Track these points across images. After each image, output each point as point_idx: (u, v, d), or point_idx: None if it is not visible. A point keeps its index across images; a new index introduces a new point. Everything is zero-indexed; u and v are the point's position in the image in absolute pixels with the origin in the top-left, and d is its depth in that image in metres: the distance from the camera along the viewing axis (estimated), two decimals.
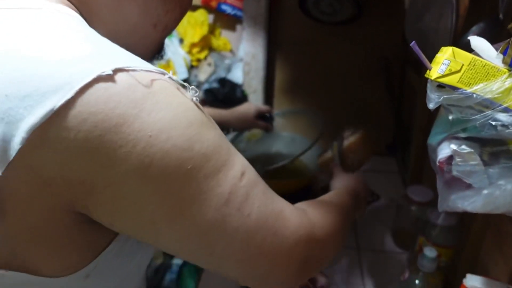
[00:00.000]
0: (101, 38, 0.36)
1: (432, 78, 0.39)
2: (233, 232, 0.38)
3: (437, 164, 0.45)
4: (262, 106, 1.03)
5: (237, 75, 1.28)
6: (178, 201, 0.35)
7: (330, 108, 1.35)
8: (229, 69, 1.30)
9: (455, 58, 0.38)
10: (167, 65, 1.25)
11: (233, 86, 1.22)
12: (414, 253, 0.85)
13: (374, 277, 0.88)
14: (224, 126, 0.95)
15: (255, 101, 1.29)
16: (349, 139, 0.83)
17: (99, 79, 0.31)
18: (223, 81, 1.25)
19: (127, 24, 0.43)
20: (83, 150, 0.31)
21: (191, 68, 1.29)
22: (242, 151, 0.43)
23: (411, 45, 0.40)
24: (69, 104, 0.30)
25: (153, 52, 0.48)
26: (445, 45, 0.71)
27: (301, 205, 0.53)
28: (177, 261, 1.66)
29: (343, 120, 1.34)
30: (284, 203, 0.45)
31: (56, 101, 0.30)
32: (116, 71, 0.32)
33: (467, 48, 0.56)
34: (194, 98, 0.36)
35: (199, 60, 1.30)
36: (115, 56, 0.34)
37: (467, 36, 0.67)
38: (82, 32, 0.35)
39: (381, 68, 1.25)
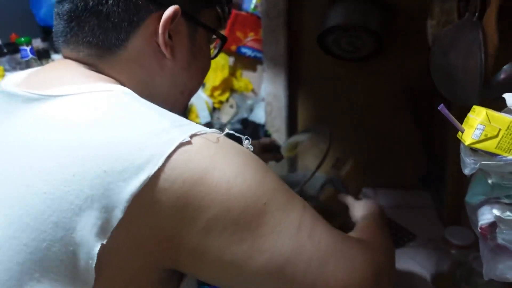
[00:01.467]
0: (166, 111, 0.41)
1: (467, 144, 0.36)
2: (308, 260, 0.40)
3: (479, 229, 0.41)
4: (264, 139, 1.00)
5: (259, 115, 1.28)
6: (257, 237, 0.38)
7: (357, 144, 1.32)
8: (251, 109, 1.30)
9: (490, 122, 0.35)
10: (190, 110, 1.27)
11: (256, 126, 1.22)
12: None
13: None
14: None
15: (278, 141, 1.27)
16: (345, 169, 0.82)
17: (180, 145, 0.37)
18: (246, 122, 1.24)
19: (160, 96, 0.47)
20: (173, 209, 0.36)
21: (213, 110, 1.30)
22: None
23: (439, 108, 0.38)
24: (160, 170, 0.35)
25: (179, 114, 0.52)
26: (475, 85, 0.67)
27: (350, 233, 0.58)
28: None
29: (372, 155, 1.31)
30: (339, 230, 0.48)
31: (150, 171, 0.35)
32: (192, 136, 0.38)
33: (501, 88, 0.52)
34: (249, 147, 0.44)
35: (221, 102, 1.31)
36: (187, 125, 0.40)
37: (499, 76, 0.64)
38: (153, 108, 0.41)
39: (408, 100, 1.22)
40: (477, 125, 0.36)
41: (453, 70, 0.72)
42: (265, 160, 0.99)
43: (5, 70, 0.80)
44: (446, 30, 0.76)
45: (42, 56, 0.85)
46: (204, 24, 0.49)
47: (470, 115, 0.38)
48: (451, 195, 1.06)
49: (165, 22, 0.44)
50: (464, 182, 1.02)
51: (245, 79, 1.35)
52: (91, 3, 0.43)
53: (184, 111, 0.55)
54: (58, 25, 0.45)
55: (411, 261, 1.00)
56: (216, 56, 0.56)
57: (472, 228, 0.86)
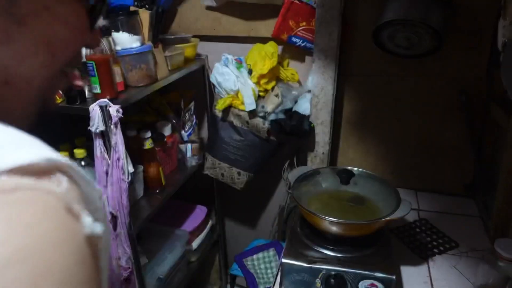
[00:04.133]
0: None
1: None
2: None
3: None
4: None
5: (304, 106, 1.26)
6: None
7: (402, 144, 1.28)
8: (295, 100, 1.29)
9: None
10: (236, 96, 1.27)
11: (301, 118, 1.20)
12: None
13: None
14: None
15: (322, 133, 1.26)
16: None
17: None
18: (291, 113, 1.23)
19: None
20: None
21: (258, 98, 1.30)
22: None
23: None
24: None
25: (30, 115, 0.34)
26: None
27: None
28: None
29: (417, 157, 1.27)
30: None
31: None
32: None
33: None
34: (93, 230, 0.25)
35: (266, 91, 1.31)
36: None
37: None
38: None
39: (461, 103, 1.17)
40: None
41: None
42: None
43: None
44: None
45: (104, 34, 0.87)
46: None
47: None
48: (501, 204, 1.01)
49: None
50: None
51: (291, 69, 1.33)
52: None
53: (47, 108, 0.35)
54: None
55: (453, 270, 0.97)
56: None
57: None
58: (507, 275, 0.80)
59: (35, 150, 0.25)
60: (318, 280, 0.86)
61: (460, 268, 0.97)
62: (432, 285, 0.92)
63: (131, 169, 0.93)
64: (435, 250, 1.03)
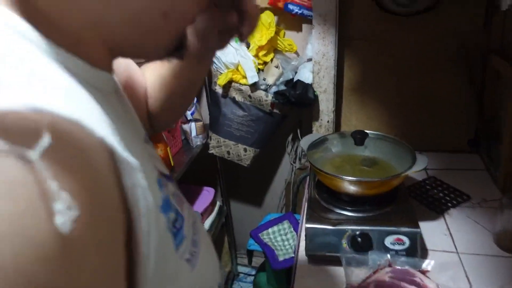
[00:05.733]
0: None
1: None
2: None
3: None
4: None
5: (305, 76, 1.25)
6: None
7: (405, 105, 1.29)
8: (295, 70, 1.27)
9: None
10: (236, 70, 1.24)
11: (305, 86, 1.19)
12: None
13: (481, 282, 0.81)
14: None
15: (325, 101, 1.25)
16: None
17: None
18: (294, 83, 1.22)
19: (123, 12, 0.30)
20: None
21: (258, 71, 1.27)
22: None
23: None
24: None
25: (165, 50, 0.35)
26: None
27: None
28: (243, 269, 1.65)
29: (419, 117, 1.29)
30: None
31: None
32: None
33: None
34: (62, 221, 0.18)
35: (265, 63, 1.29)
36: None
37: None
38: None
39: (461, 58, 1.17)
40: None
41: None
42: None
43: None
44: None
45: None
46: None
47: None
48: (508, 156, 1.03)
49: None
50: None
51: (288, 39, 1.31)
52: None
53: (179, 46, 0.36)
54: None
55: (469, 220, 0.99)
56: None
57: None
58: None
59: (23, 92, 0.19)
60: (344, 241, 0.86)
61: (475, 218, 1.00)
62: (452, 236, 0.94)
63: None
64: (449, 204, 1.05)
